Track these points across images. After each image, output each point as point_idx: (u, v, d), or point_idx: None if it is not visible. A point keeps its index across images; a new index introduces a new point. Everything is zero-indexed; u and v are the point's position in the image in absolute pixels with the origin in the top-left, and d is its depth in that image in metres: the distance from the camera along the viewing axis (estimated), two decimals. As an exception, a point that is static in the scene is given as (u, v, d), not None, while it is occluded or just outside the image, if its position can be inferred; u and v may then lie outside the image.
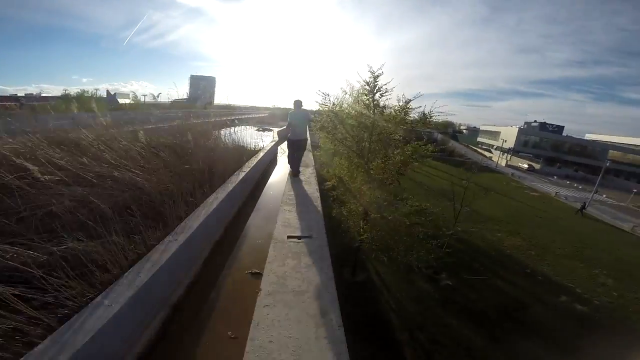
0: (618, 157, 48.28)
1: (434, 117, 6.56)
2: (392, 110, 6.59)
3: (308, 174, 6.46)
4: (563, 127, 66.30)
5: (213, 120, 8.70)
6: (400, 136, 6.75)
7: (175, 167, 4.43)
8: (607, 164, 29.54)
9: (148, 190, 3.66)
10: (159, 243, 2.93)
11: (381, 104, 6.52)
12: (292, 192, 5.21)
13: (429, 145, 6.33)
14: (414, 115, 6.81)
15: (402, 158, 6.30)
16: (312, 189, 5.54)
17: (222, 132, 8.08)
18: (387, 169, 6.54)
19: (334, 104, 7.65)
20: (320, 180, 7.28)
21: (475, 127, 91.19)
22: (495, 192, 23.08)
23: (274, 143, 11.14)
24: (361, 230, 6.72)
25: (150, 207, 3.61)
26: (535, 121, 68.40)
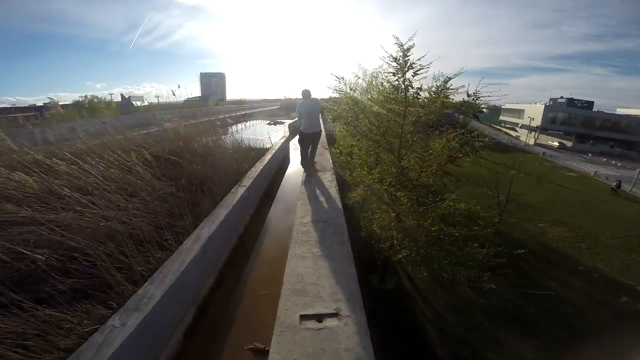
0: (656, 130, 44.77)
1: (480, 99, 5.23)
2: (428, 92, 5.21)
3: (327, 182, 5.16)
4: (593, 102, 62.13)
5: (203, 120, 7.62)
6: (438, 120, 5.45)
7: (155, 188, 3.32)
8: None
9: (99, 236, 2.52)
10: (97, 330, 1.74)
11: (415, 84, 5.13)
12: (307, 218, 3.92)
13: (481, 135, 4.98)
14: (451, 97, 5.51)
15: (447, 152, 4.93)
16: (333, 208, 4.23)
17: (230, 129, 7.08)
18: (428, 166, 5.18)
19: (351, 89, 6.46)
20: (342, 185, 6.08)
21: (495, 105, 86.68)
22: (530, 176, 21.15)
23: (284, 139, 9.91)
24: (395, 242, 5.46)
25: (102, 261, 2.42)
26: (561, 97, 64.41)
